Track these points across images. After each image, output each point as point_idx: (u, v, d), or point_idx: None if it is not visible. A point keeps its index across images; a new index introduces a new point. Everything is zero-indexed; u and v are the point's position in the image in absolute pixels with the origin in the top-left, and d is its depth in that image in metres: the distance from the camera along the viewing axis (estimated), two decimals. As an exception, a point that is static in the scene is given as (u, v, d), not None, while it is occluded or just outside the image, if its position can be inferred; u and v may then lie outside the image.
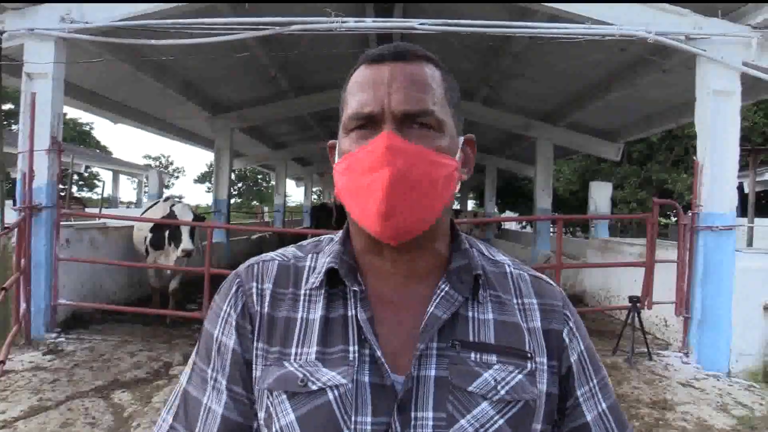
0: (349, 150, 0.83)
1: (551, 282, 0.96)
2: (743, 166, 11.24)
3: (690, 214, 6.07)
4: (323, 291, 0.87)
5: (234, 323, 0.88)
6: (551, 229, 13.71)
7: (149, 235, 7.49)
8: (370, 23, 6.33)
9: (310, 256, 0.93)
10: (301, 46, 7.96)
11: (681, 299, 6.12)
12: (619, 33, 5.93)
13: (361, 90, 0.84)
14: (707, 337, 5.91)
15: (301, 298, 0.88)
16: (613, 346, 6.24)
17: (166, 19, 6.13)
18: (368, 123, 0.82)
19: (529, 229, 22.91)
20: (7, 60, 6.44)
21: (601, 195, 11.62)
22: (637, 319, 6.05)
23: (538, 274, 0.96)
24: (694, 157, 6.14)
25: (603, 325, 7.88)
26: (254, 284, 0.89)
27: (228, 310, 0.89)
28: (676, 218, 7.72)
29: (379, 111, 0.81)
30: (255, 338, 0.86)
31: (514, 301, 0.90)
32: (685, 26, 5.93)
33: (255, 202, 51.35)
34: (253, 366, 0.86)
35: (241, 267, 0.94)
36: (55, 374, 4.96)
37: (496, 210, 25.20)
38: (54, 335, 5.99)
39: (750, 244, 13.00)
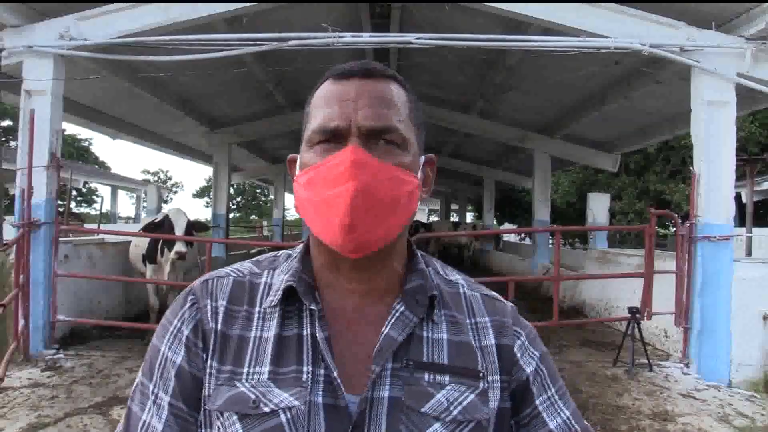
0: (313, 163, 0.83)
1: (502, 300, 0.97)
2: (741, 176, 11.29)
3: (688, 225, 6.09)
4: (278, 309, 0.86)
5: (184, 339, 0.86)
6: (550, 241, 13.71)
7: (144, 247, 7.44)
8: (367, 38, 6.37)
9: (266, 272, 0.92)
10: (297, 61, 8.01)
11: (680, 310, 6.11)
12: (613, 45, 5.98)
13: (327, 104, 0.84)
14: (707, 348, 5.90)
15: (255, 316, 0.86)
16: (613, 357, 6.23)
17: (163, 35, 6.17)
18: (333, 137, 0.82)
19: (527, 240, 22.91)
20: (6, 77, 6.48)
21: (599, 206, 11.66)
22: (636, 330, 6.04)
23: (490, 293, 0.97)
24: (691, 168, 6.17)
25: (602, 337, 7.86)
26: (209, 301, 0.88)
27: (178, 325, 0.87)
28: (674, 229, 7.74)
29: (345, 126, 0.81)
30: (209, 356, 0.84)
31: (467, 320, 0.91)
32: (679, 38, 5.98)
33: (254, 216, 51.34)
34: (205, 385, 0.84)
35: (196, 282, 0.92)
36: (54, 391, 4.93)
37: (494, 222, 25.22)
38: (52, 352, 5.96)
39: (749, 253, 13.02)
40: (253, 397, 0.79)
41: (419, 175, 0.88)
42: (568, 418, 0.90)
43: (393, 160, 0.82)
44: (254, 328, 0.85)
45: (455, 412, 0.81)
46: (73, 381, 5.22)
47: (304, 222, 0.90)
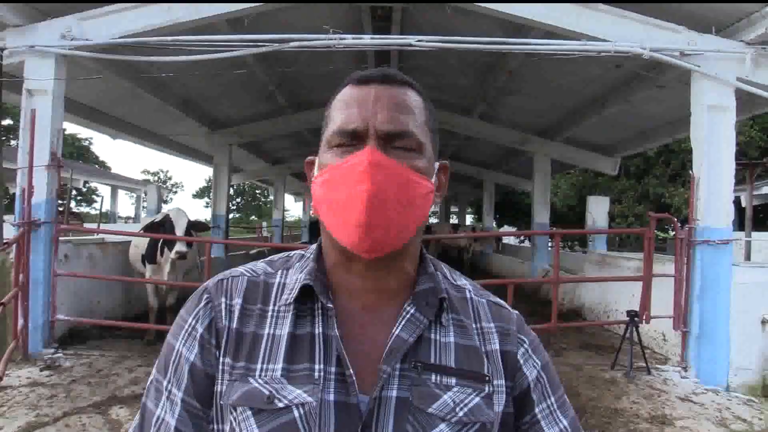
0: (331, 164, 0.85)
1: (508, 307, 0.99)
2: (740, 180, 11.30)
3: (687, 228, 6.09)
4: (292, 307, 0.87)
5: (198, 337, 0.88)
6: (549, 244, 13.71)
7: (144, 248, 7.43)
8: (368, 40, 6.38)
9: (280, 272, 0.94)
10: (298, 63, 8.03)
11: (679, 313, 6.12)
12: (614, 49, 5.98)
13: (347, 107, 0.87)
14: (706, 352, 5.90)
15: (269, 314, 0.88)
16: (612, 360, 6.23)
17: (165, 36, 6.18)
18: (352, 139, 0.84)
19: (527, 243, 22.92)
20: (8, 76, 6.49)
21: (598, 209, 11.67)
22: (635, 333, 6.05)
23: (496, 299, 0.99)
24: (691, 172, 6.17)
25: (601, 340, 7.87)
26: (223, 299, 0.89)
27: (193, 323, 0.89)
28: (673, 232, 7.75)
29: (364, 128, 0.84)
30: (222, 353, 0.86)
31: (474, 325, 0.93)
32: (679, 42, 6.00)
33: (254, 217, 51.36)
34: (217, 381, 0.86)
35: (210, 282, 0.94)
36: (53, 390, 4.94)
37: (494, 224, 25.23)
38: (52, 351, 5.96)
39: (748, 258, 13.03)
40: (267, 393, 0.81)
41: (433, 180, 0.90)
42: (565, 427, 0.93)
43: (408, 163, 0.84)
44: (268, 325, 0.87)
45: (461, 414, 0.84)
46: (72, 380, 5.22)
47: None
